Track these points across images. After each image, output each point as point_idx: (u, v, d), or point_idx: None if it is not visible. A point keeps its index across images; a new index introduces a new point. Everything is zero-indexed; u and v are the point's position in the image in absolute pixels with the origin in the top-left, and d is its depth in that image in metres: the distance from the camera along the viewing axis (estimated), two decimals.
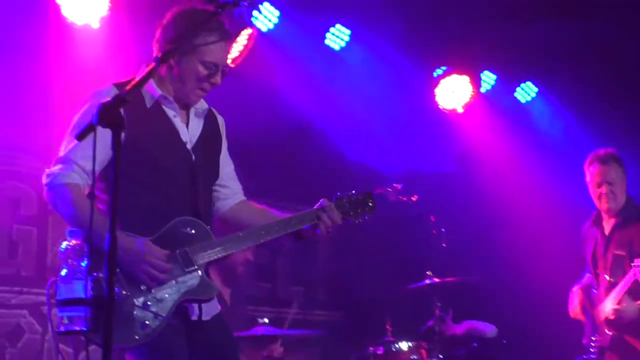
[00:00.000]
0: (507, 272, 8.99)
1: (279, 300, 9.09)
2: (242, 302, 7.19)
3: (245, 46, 8.02)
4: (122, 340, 4.05)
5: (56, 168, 4.27)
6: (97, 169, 4.12)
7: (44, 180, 4.29)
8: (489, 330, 7.70)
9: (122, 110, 3.30)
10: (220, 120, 4.84)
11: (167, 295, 4.20)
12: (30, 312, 7.19)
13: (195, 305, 4.39)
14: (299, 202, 9.20)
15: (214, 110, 4.81)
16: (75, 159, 4.24)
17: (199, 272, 4.32)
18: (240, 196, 4.88)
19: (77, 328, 3.30)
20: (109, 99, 4.17)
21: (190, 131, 4.56)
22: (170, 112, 4.49)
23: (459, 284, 7.55)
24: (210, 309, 4.49)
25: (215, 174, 4.72)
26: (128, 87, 3.51)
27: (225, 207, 4.78)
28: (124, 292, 4.04)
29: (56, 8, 7.06)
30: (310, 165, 8.89)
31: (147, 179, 4.27)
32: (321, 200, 4.83)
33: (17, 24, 6.90)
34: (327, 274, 9.63)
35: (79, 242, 3.38)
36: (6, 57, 6.94)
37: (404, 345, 6.93)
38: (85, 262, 3.35)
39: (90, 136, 4.12)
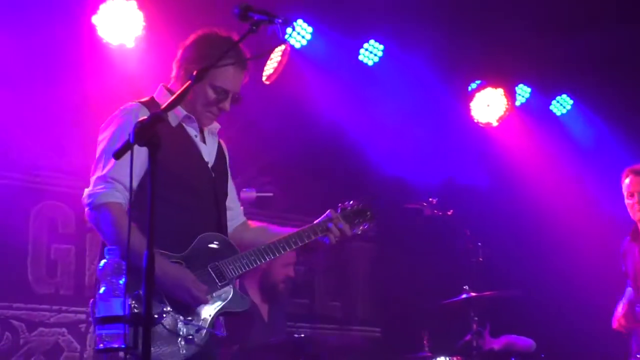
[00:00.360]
0: (545, 286, 8.93)
1: (316, 316, 9.09)
2: (281, 319, 7.20)
3: (280, 62, 8.05)
4: (168, 356, 4.14)
5: (97, 188, 4.30)
6: (133, 185, 4.17)
7: (86, 200, 4.32)
8: (527, 344, 7.63)
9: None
10: (223, 144, 4.90)
11: (205, 310, 4.30)
12: (68, 331, 7.24)
13: (222, 323, 4.49)
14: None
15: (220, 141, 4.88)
16: (114, 177, 4.27)
17: (231, 285, 4.43)
18: (242, 217, 4.98)
19: (116, 345, 3.31)
20: (134, 114, 4.33)
21: (208, 150, 4.67)
22: (192, 132, 4.58)
23: (496, 298, 7.50)
24: (221, 328, 4.57)
25: (226, 193, 4.81)
26: (164, 107, 3.54)
27: (229, 228, 4.82)
28: (166, 309, 4.14)
29: (92, 29, 7.13)
30: (344, 181, 8.89)
31: (173, 197, 4.30)
32: (328, 211, 4.95)
33: (54, 45, 6.97)
34: (365, 289, 9.61)
35: (116, 260, 3.40)
36: (45, 79, 7.02)
37: None
38: (123, 279, 3.37)
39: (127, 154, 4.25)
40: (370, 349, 8.28)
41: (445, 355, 6.99)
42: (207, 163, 4.62)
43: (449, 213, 7.47)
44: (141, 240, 4.01)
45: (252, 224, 5.03)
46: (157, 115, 3.37)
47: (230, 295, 4.41)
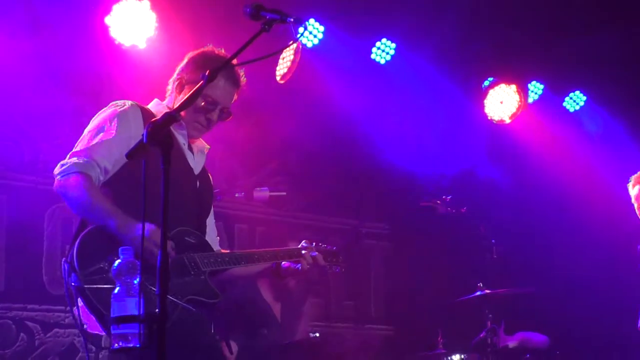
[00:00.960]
0: (560, 283, 8.90)
1: (331, 315, 9.10)
2: (295, 317, 7.21)
3: (293, 61, 8.07)
4: None
5: (71, 160, 4.33)
6: (111, 172, 4.35)
7: (56, 170, 4.33)
8: (542, 341, 7.64)
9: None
10: (211, 177, 4.96)
11: (176, 290, 4.20)
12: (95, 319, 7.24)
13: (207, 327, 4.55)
14: (347, 215, 9.28)
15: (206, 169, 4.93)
16: (92, 154, 4.32)
17: (203, 277, 4.45)
18: (216, 245, 4.96)
19: (131, 345, 3.32)
20: (126, 108, 4.42)
21: (195, 162, 4.73)
22: (180, 139, 4.62)
23: (511, 295, 7.49)
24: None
25: (209, 210, 4.89)
26: (176, 107, 3.60)
27: None
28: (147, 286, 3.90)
29: (105, 30, 7.16)
30: (357, 179, 8.90)
31: (154, 197, 3.93)
32: (303, 240, 5.10)
33: (69, 47, 7.01)
34: (379, 288, 9.61)
35: (130, 259, 3.41)
36: (59, 81, 7.06)
37: (456, 358, 6.91)
38: (138, 279, 3.37)
39: (113, 127, 4.38)
40: (385, 347, 8.27)
41: (460, 352, 6.99)
42: (191, 169, 4.70)
43: (463, 211, 7.48)
44: (107, 203, 4.21)
45: (224, 252, 5.02)
46: (170, 115, 3.40)
47: (202, 286, 4.42)
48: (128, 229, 4.08)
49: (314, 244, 5.13)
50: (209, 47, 4.73)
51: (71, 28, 6.99)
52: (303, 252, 5.00)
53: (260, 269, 4.95)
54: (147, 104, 4.70)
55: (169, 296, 3.94)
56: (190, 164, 4.69)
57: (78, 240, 4.15)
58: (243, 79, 4.74)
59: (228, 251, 4.86)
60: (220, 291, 4.52)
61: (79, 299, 4.08)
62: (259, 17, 3.86)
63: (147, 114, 4.47)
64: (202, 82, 3.77)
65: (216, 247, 4.94)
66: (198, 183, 4.71)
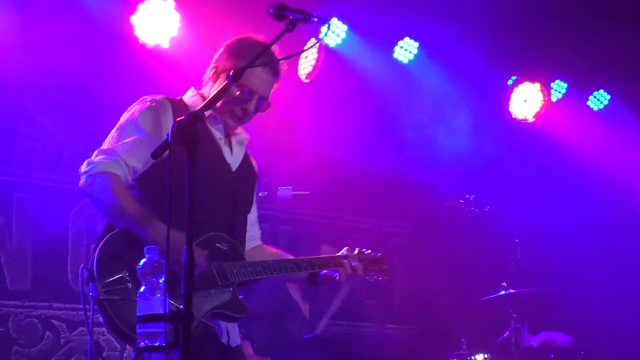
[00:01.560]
0: (584, 282, 8.87)
1: (354, 314, 9.10)
2: (323, 316, 7.25)
3: (317, 59, 8.09)
4: None
5: (98, 157, 4.17)
6: (140, 172, 4.19)
7: (83, 168, 4.16)
8: (566, 341, 7.61)
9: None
10: (255, 165, 4.75)
11: (201, 303, 4.08)
12: (109, 330, 7.29)
13: (224, 329, 4.32)
14: (370, 215, 9.27)
15: (249, 155, 4.72)
16: (120, 152, 4.15)
17: (231, 288, 4.24)
18: (257, 241, 4.82)
19: (157, 344, 3.33)
20: (156, 104, 4.26)
21: (233, 157, 4.51)
22: (217, 134, 4.42)
23: (535, 294, 7.47)
24: (236, 337, 4.44)
25: (249, 207, 4.68)
26: (200, 107, 3.52)
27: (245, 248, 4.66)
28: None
29: (130, 29, 7.21)
30: (380, 179, 8.90)
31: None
32: (344, 248, 4.87)
33: (94, 47, 7.05)
34: (402, 287, 9.60)
35: (156, 258, 3.42)
36: (83, 80, 7.09)
37: (479, 357, 6.90)
38: (163, 278, 3.38)
39: (142, 125, 4.21)
40: (407, 346, 8.27)
41: (483, 352, 6.98)
42: (229, 166, 4.47)
43: (486, 210, 7.47)
44: (138, 209, 4.03)
45: (267, 248, 4.87)
46: (195, 114, 3.36)
47: (229, 298, 4.22)
48: (160, 237, 3.84)
49: (357, 250, 4.92)
50: (246, 34, 4.48)
51: (96, 26, 7.03)
52: (344, 261, 4.78)
53: (297, 276, 4.72)
54: (183, 95, 4.53)
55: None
56: (228, 161, 4.45)
57: (99, 248, 4.01)
58: (284, 67, 4.51)
59: (259, 260, 4.55)
60: (248, 293, 4.36)
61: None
62: (282, 17, 3.84)
63: (178, 107, 4.28)
64: (226, 82, 3.76)
65: (257, 242, 4.78)
66: (235, 181, 4.47)
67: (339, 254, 4.84)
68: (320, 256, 4.77)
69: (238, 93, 4.34)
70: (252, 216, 4.74)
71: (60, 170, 7.25)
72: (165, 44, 7.38)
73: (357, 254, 4.90)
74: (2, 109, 6.93)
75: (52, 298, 7.15)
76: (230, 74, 3.76)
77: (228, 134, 4.50)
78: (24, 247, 7.12)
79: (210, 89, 4.45)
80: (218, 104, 4.26)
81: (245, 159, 4.61)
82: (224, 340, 4.32)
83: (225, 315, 4.25)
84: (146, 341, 3.36)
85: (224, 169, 4.44)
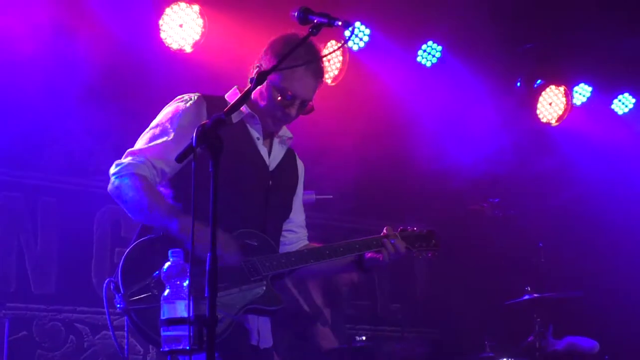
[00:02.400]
0: (608, 286, 8.84)
1: (377, 318, 9.09)
2: (342, 321, 7.23)
3: (343, 62, 8.10)
4: None
5: (127, 159, 4.16)
6: (170, 175, 4.18)
7: (112, 170, 4.17)
8: (591, 345, 7.56)
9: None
10: (301, 165, 4.71)
11: (232, 301, 4.06)
12: (132, 334, 7.30)
13: (255, 329, 4.30)
14: (394, 218, 9.25)
15: (296, 154, 4.68)
16: (148, 155, 4.15)
17: (265, 282, 4.18)
18: (304, 240, 4.74)
19: (181, 347, 3.33)
20: (190, 104, 4.24)
21: (271, 157, 4.46)
22: (254, 133, 4.38)
23: (559, 299, 7.44)
24: (267, 339, 4.41)
25: (287, 212, 4.60)
26: (225, 109, 3.49)
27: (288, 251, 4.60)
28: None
29: (157, 33, 7.26)
30: (405, 183, 8.88)
31: (221, 190, 3.65)
32: (385, 227, 4.72)
33: (118, 50, 7.08)
34: (426, 290, 9.59)
35: (180, 262, 3.42)
36: (107, 84, 7.12)
37: None
38: (187, 281, 3.38)
39: (173, 127, 4.20)
40: (431, 350, 8.24)
41: (508, 356, 6.95)
42: (265, 165, 4.41)
43: (510, 214, 7.44)
44: (166, 203, 4.05)
45: (314, 245, 4.73)
46: (219, 118, 3.36)
47: (262, 292, 4.16)
48: (188, 229, 3.72)
49: (400, 229, 4.79)
50: (290, 32, 4.34)
51: (124, 30, 7.07)
52: (384, 240, 4.62)
53: (342, 263, 4.62)
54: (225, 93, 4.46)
55: (221, 312, 3.81)
56: (265, 160, 4.40)
57: (123, 259, 4.01)
58: (327, 70, 4.47)
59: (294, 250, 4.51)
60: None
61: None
62: (307, 21, 3.83)
63: (214, 106, 4.18)
64: (250, 85, 3.75)
65: (304, 242, 4.69)
66: (270, 181, 4.41)
67: (381, 234, 4.68)
68: (358, 239, 4.64)
69: (280, 98, 4.28)
70: (300, 219, 4.70)
71: (85, 174, 7.30)
72: (188, 49, 7.41)
73: (400, 232, 4.77)
74: (30, 113, 6.97)
75: (76, 302, 7.18)
76: (254, 77, 3.76)
77: (269, 134, 4.45)
78: (48, 251, 7.15)
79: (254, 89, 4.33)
80: (263, 103, 4.29)
81: (287, 159, 4.56)
82: (253, 341, 4.29)
83: (260, 310, 4.20)
84: (170, 345, 3.36)
85: (259, 168, 4.39)
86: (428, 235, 4.94)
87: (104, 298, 4.03)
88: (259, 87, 4.16)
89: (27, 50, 6.79)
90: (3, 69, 6.78)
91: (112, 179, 4.17)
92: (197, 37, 7.41)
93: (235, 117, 4.22)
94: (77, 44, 6.93)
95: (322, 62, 4.40)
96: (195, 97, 4.29)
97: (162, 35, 7.29)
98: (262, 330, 4.35)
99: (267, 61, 4.31)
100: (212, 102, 4.30)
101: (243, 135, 4.35)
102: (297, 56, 4.00)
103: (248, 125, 4.37)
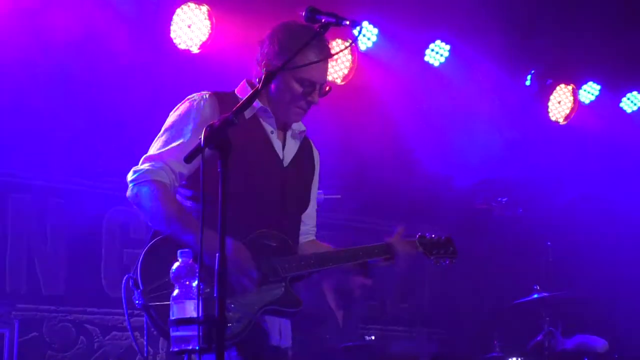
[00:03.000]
0: (617, 285, 8.82)
1: (386, 318, 9.09)
2: (354, 323, 7.25)
3: (353, 61, 8.12)
4: None
5: (144, 165, 4.14)
6: (186, 174, 4.17)
7: (129, 177, 4.14)
8: (600, 344, 7.55)
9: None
10: (316, 153, 4.72)
11: (251, 301, 4.06)
12: (141, 334, 7.31)
13: (277, 328, 4.30)
14: (402, 218, 9.25)
15: (311, 142, 4.68)
16: (165, 159, 4.13)
17: (284, 283, 4.19)
18: (311, 235, 4.73)
19: (190, 347, 3.34)
20: (202, 103, 4.22)
21: (285, 151, 4.43)
22: (268, 127, 4.36)
23: (568, 298, 7.43)
24: (287, 338, 4.40)
25: (305, 205, 4.59)
26: (233, 110, 3.47)
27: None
28: (207, 290, 3.64)
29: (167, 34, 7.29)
30: (413, 182, 8.88)
31: (236, 188, 3.78)
32: (399, 229, 4.73)
33: (126, 50, 7.09)
34: (433, 290, 9.59)
35: (189, 262, 3.43)
36: (115, 84, 7.14)
37: None
38: (196, 281, 3.38)
39: (188, 128, 4.19)
40: (440, 350, 8.25)
41: (517, 355, 6.94)
42: (280, 161, 4.38)
43: (519, 212, 7.43)
44: (185, 216, 4.01)
45: (320, 243, 4.75)
46: (227, 119, 3.35)
47: (281, 293, 4.16)
48: (210, 245, 3.49)
49: (419, 235, 4.82)
50: (292, 21, 4.35)
51: (131, 30, 7.08)
52: (397, 248, 4.62)
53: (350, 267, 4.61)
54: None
55: (235, 313, 3.95)
56: (279, 155, 4.38)
57: (142, 256, 4.02)
58: (332, 47, 4.48)
59: (312, 252, 4.48)
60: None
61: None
62: (314, 20, 3.83)
63: (226, 103, 4.18)
64: (258, 86, 3.74)
65: (311, 236, 4.69)
66: (286, 176, 4.38)
67: (392, 238, 4.68)
68: (374, 245, 4.64)
69: (302, 90, 4.29)
70: (310, 210, 4.67)
71: (94, 175, 7.31)
72: (195, 49, 7.43)
73: (418, 239, 4.81)
74: (37, 114, 6.99)
75: (86, 303, 7.20)
76: (263, 77, 3.76)
77: (282, 127, 4.43)
78: (58, 252, 7.16)
79: (266, 88, 4.30)
80: (280, 100, 4.29)
81: (302, 151, 4.54)
82: (274, 341, 4.28)
83: (278, 311, 4.20)
84: (180, 345, 3.37)
85: (273, 164, 4.37)
86: (446, 243, 4.93)
87: (123, 294, 4.03)
88: (271, 83, 4.18)
89: (36, 50, 6.82)
90: (11, 68, 6.80)
91: (130, 186, 4.14)
92: (204, 38, 7.43)
93: (247, 113, 4.23)
94: (88, 44, 6.95)
95: (327, 42, 4.37)
96: (207, 96, 4.27)
97: (172, 35, 7.31)
98: (283, 330, 4.35)
99: (273, 55, 4.28)
100: (223, 98, 4.28)
101: (256, 129, 4.33)
102: (310, 47, 4.05)
103: (261, 120, 4.35)
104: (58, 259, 7.16)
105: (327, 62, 4.42)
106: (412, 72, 8.64)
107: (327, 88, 4.41)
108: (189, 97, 4.33)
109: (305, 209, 4.59)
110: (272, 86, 4.29)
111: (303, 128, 4.52)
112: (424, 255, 4.80)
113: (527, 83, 9.25)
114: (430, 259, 4.85)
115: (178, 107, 4.31)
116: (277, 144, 4.39)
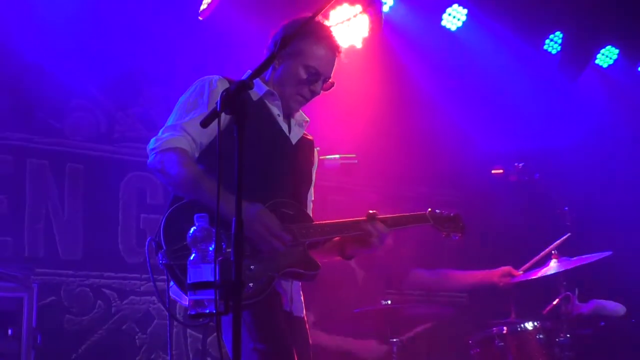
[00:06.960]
0: (635, 251, 8.79)
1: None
2: (376, 283, 7.26)
3: (373, 22, 8.06)
4: None
5: (165, 134, 4.23)
6: (205, 144, 4.24)
7: (151, 145, 4.22)
8: (617, 309, 7.53)
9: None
10: (316, 150, 4.79)
11: (272, 264, 4.14)
12: (158, 299, 7.36)
13: (288, 297, 4.37)
14: (419, 183, 9.26)
15: (312, 138, 4.76)
16: (186, 128, 4.22)
17: (302, 248, 4.28)
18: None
19: (207, 311, 3.36)
20: (215, 81, 4.31)
21: (292, 134, 4.55)
22: (274, 110, 4.46)
23: (585, 263, 7.40)
24: (299, 309, 4.48)
25: (310, 181, 4.69)
26: (249, 76, 3.45)
27: None
28: (229, 250, 3.70)
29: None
30: (428, 147, 8.86)
31: (250, 161, 3.67)
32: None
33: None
34: (451, 256, 9.58)
35: (206, 226, 3.44)
36: (135, 50, 7.15)
37: (529, 325, 6.87)
38: (213, 246, 3.40)
39: (204, 99, 4.28)
40: (457, 314, 8.25)
41: (533, 320, 6.94)
42: (288, 139, 4.51)
43: (535, 177, 7.40)
44: (211, 182, 4.00)
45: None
46: (243, 82, 3.36)
47: (300, 257, 4.26)
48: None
49: (429, 210, 4.92)
50: (302, 14, 4.41)
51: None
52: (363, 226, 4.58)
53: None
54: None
55: (255, 271, 4.03)
56: (287, 134, 4.50)
57: (164, 219, 4.08)
58: (342, 46, 4.57)
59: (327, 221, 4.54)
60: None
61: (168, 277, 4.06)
62: None
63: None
64: (274, 50, 3.76)
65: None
66: (295, 154, 4.52)
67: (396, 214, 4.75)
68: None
69: (306, 76, 4.42)
70: (310, 193, 4.75)
71: (111, 140, 7.33)
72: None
73: (428, 212, 4.93)
74: (55, 81, 7.01)
75: (103, 267, 7.24)
76: (277, 43, 3.78)
77: (287, 114, 4.54)
78: (75, 217, 7.19)
79: (273, 73, 4.50)
80: (285, 85, 4.41)
81: (305, 140, 4.66)
82: (286, 307, 4.36)
83: (298, 274, 4.28)
84: (197, 309, 3.39)
85: (282, 141, 4.48)
86: (455, 218, 5.07)
87: (146, 255, 4.12)
88: (278, 68, 4.42)
89: (62, 24, 6.86)
90: (41, 38, 6.86)
91: (152, 154, 4.20)
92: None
93: (254, 96, 4.37)
94: (103, 15, 6.98)
95: (337, 39, 4.53)
96: (218, 77, 4.38)
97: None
98: (294, 297, 4.44)
99: (280, 39, 4.29)
100: (231, 81, 4.34)
101: (264, 111, 4.44)
102: (320, 37, 4.27)
103: (267, 102, 4.45)
104: (76, 224, 7.19)
105: (335, 59, 4.53)
106: (429, 36, 8.60)
107: (331, 83, 4.54)
108: (199, 79, 4.43)
109: (309, 187, 4.69)
110: (278, 71, 4.45)
111: (307, 118, 4.64)
112: (436, 228, 4.95)
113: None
114: (442, 232, 4.99)
115: (192, 86, 4.41)
116: (284, 126, 4.51)
